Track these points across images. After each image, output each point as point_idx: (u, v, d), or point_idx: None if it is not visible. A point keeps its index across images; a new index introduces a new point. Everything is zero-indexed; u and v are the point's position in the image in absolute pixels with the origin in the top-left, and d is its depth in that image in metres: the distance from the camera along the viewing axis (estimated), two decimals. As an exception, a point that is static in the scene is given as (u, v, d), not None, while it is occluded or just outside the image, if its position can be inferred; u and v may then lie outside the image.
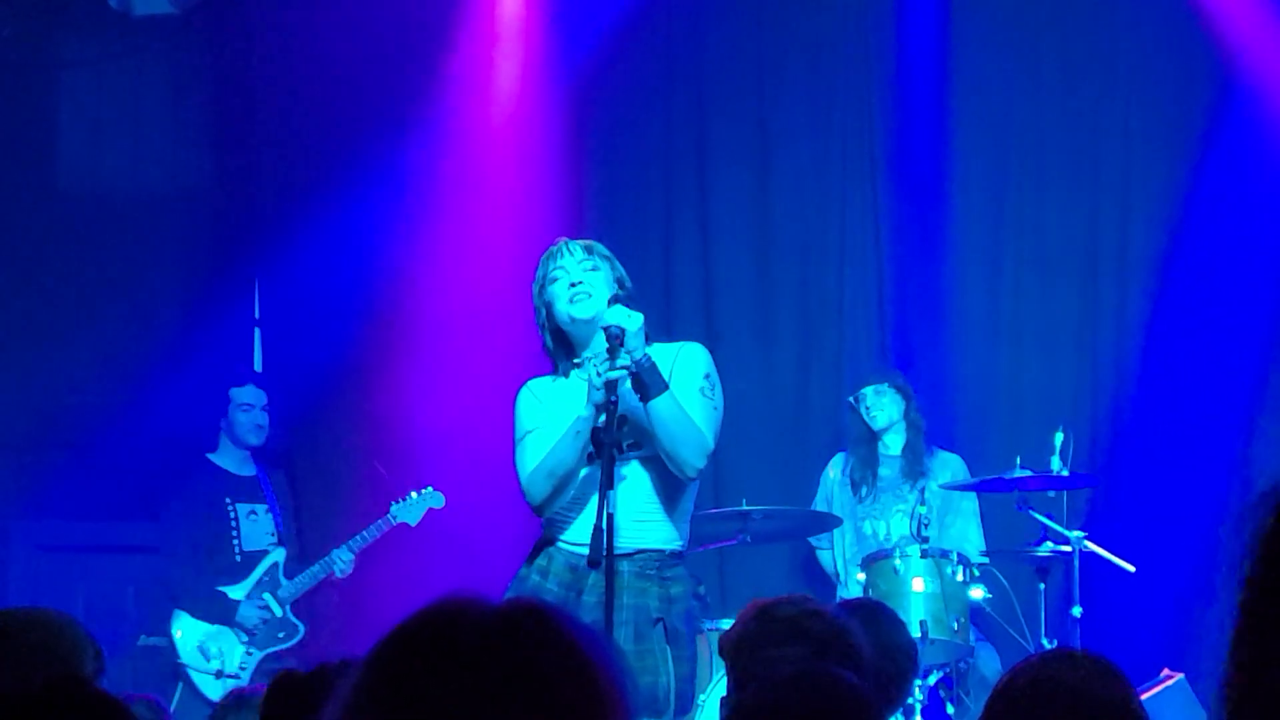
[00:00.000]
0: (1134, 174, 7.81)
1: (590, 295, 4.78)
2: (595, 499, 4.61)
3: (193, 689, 7.00)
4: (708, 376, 4.85)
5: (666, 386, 4.66)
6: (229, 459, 7.29)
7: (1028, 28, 7.96)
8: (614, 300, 4.73)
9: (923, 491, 6.96)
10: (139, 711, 4.75)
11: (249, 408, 7.25)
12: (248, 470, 7.29)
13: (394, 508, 6.99)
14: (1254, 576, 1.46)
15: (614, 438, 4.52)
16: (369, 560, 7.29)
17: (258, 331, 8.30)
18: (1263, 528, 1.47)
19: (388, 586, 7.25)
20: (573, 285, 4.81)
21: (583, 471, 4.74)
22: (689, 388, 4.78)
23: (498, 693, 1.43)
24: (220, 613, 7.06)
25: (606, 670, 1.48)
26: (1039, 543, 6.56)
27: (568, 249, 4.90)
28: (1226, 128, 7.73)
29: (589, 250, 4.90)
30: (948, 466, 7.21)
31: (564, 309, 4.82)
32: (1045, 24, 7.95)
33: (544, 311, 4.90)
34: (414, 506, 7.01)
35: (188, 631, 7.05)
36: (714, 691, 5.84)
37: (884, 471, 7.19)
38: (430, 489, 7.05)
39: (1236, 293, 7.64)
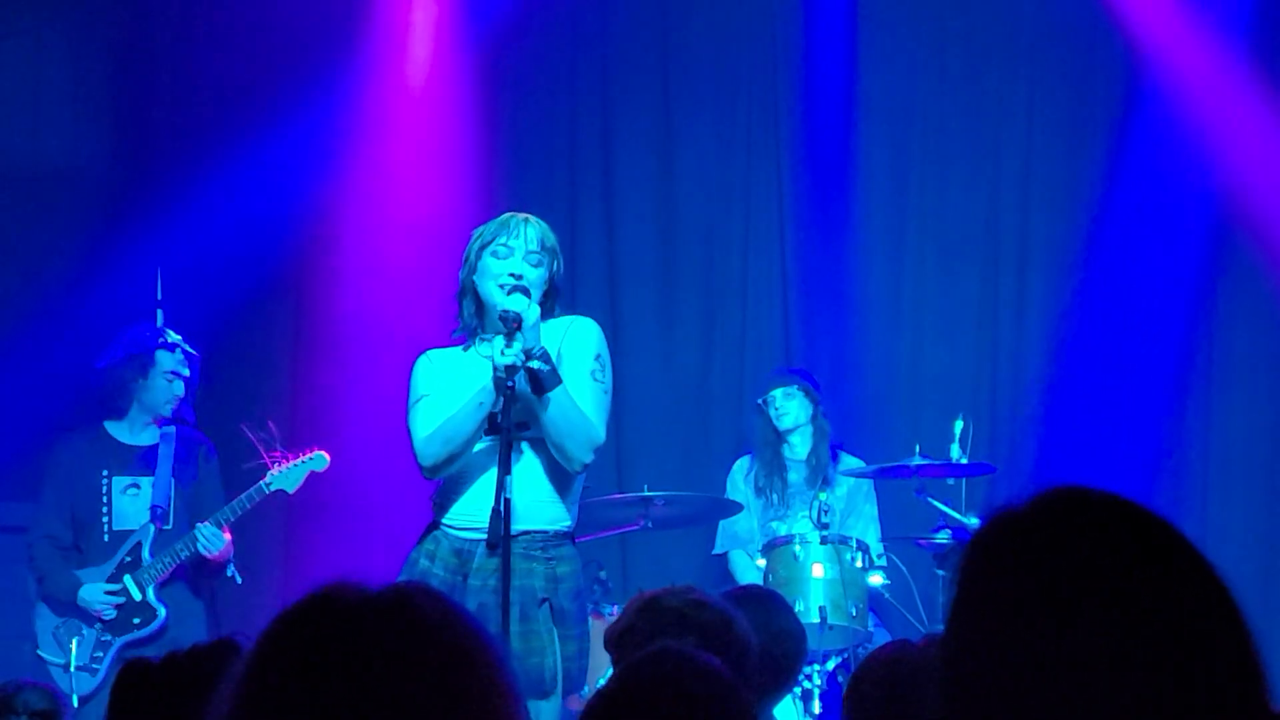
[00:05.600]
0: (1035, 162, 7.89)
1: (528, 295, 4.62)
2: (483, 481, 4.62)
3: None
4: (598, 357, 4.79)
5: (560, 381, 4.60)
6: (126, 427, 6.56)
7: (933, 16, 8.02)
8: (517, 290, 4.63)
9: (824, 481, 7.00)
10: (29, 698, 4.66)
11: (172, 376, 6.53)
12: (145, 439, 6.55)
13: (270, 475, 6.26)
14: (960, 593, 1.61)
15: (510, 421, 4.49)
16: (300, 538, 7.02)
17: (160, 313, 8.17)
18: (966, 555, 1.62)
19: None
20: (514, 275, 4.66)
21: (475, 448, 4.68)
22: (579, 370, 4.73)
23: (383, 677, 1.43)
24: (70, 598, 6.34)
25: (490, 651, 1.50)
26: (937, 530, 6.61)
27: (524, 229, 4.74)
28: (1127, 117, 7.82)
29: (542, 242, 4.74)
30: (851, 469, 7.21)
31: (494, 292, 4.67)
32: (950, 12, 8.00)
33: (471, 275, 4.76)
34: (293, 472, 6.28)
35: (44, 620, 6.41)
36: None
37: (792, 476, 7.18)
38: (319, 452, 6.36)
39: (1136, 281, 7.75)
